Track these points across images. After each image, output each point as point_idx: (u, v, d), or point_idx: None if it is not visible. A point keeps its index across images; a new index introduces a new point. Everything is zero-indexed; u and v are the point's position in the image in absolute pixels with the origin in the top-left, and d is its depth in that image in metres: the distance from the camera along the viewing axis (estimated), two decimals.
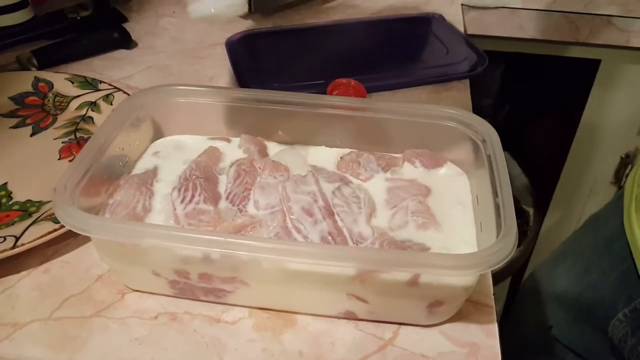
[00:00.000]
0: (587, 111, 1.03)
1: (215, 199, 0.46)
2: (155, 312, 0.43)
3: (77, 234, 0.47)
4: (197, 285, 0.42)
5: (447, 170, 0.51)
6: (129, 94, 0.61)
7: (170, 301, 0.44)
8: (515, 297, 0.83)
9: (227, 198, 0.47)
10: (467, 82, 0.70)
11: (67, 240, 0.48)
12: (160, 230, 0.39)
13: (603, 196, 1.12)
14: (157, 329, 0.42)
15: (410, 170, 0.51)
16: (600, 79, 0.99)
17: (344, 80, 0.64)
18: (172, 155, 0.52)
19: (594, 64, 0.98)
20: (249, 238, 0.41)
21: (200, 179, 0.47)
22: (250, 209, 0.46)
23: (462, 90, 0.69)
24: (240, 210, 0.46)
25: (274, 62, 0.74)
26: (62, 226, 0.46)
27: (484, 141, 0.46)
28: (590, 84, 1.00)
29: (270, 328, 0.42)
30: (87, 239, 0.48)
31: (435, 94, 0.69)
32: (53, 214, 0.48)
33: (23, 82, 0.66)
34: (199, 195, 0.46)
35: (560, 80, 1.09)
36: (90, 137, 0.59)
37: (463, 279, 0.39)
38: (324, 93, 0.63)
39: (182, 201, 0.45)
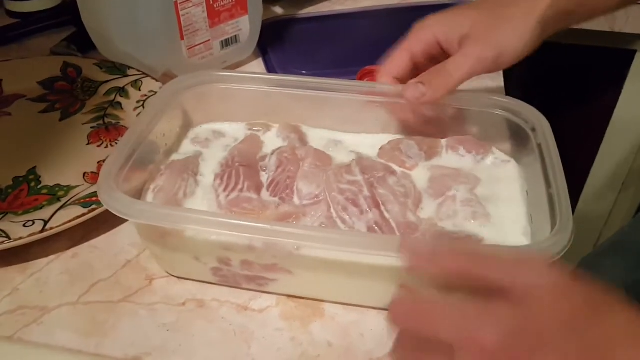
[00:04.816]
0: (620, 103, 1.00)
1: (257, 187, 0.46)
2: (183, 299, 0.43)
3: (106, 219, 0.47)
4: (240, 273, 0.41)
5: (494, 159, 0.49)
6: (156, 80, 0.61)
7: (198, 288, 0.44)
8: None
9: (269, 186, 0.46)
10: (500, 71, 0.68)
11: (96, 225, 0.48)
12: (206, 216, 0.39)
13: (636, 191, 1.09)
14: (185, 316, 0.42)
15: (455, 159, 0.49)
16: (635, 70, 0.96)
17: (374, 68, 0.62)
18: (212, 142, 0.51)
19: (630, 55, 0.95)
20: (298, 227, 0.40)
21: (243, 166, 0.47)
22: (293, 198, 0.45)
23: (495, 79, 0.67)
24: (283, 199, 0.45)
25: (302, 49, 0.73)
26: (91, 211, 0.46)
27: (533, 130, 0.45)
28: (624, 75, 0.97)
29: (299, 317, 0.42)
30: (115, 225, 0.48)
31: (467, 82, 0.67)
32: (81, 198, 0.48)
33: (52, 67, 0.66)
34: (242, 182, 0.45)
35: (594, 71, 1.06)
36: (118, 122, 0.59)
37: None
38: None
39: (225, 189, 0.45)
